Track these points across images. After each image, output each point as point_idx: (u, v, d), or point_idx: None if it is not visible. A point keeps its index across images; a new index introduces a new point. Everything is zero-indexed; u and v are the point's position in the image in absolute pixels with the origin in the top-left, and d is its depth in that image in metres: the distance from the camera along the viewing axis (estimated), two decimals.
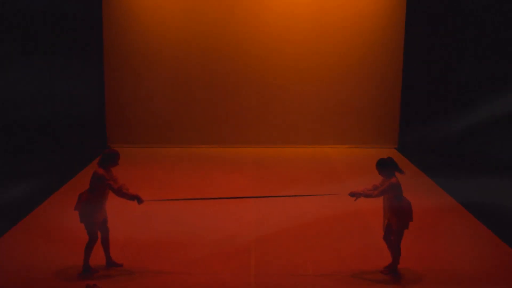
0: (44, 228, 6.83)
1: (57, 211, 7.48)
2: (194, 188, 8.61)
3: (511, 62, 9.79)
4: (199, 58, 11.05)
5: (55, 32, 10.42)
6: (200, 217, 7.25)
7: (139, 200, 5.66)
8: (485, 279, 5.61)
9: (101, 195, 5.63)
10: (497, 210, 7.38)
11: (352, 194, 5.62)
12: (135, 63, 11.02)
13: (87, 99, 10.73)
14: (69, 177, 8.94)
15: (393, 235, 5.53)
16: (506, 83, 9.95)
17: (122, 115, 11.19)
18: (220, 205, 7.76)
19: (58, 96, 10.58)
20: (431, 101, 10.70)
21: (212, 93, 11.19)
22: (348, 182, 8.95)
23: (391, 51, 10.97)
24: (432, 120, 10.63)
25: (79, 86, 10.62)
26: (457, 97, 10.42)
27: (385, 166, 5.55)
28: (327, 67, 11.06)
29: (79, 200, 5.63)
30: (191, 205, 7.75)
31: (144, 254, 6.02)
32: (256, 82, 11.14)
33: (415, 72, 10.79)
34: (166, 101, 11.18)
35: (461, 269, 5.81)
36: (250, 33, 10.97)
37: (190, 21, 10.93)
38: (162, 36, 10.95)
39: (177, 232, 6.73)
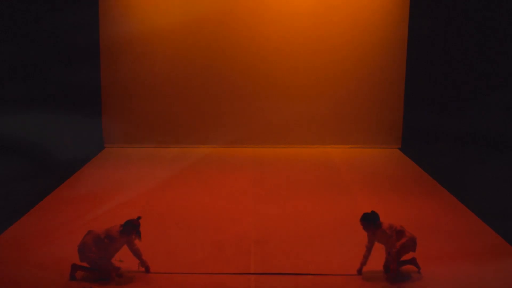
0: (40, 229, 6.90)
1: (53, 211, 7.57)
2: (193, 189, 8.67)
3: None
4: (198, 57, 11.08)
5: (50, 31, 10.49)
6: (200, 218, 7.34)
7: (147, 269, 5.73)
8: (490, 279, 5.70)
9: (109, 250, 5.66)
10: (500, 211, 7.48)
11: (359, 272, 5.75)
12: (132, 62, 11.05)
13: (83, 99, 10.83)
14: (65, 178, 9.02)
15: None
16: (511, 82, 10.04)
17: (119, 115, 11.24)
18: (220, 205, 7.86)
19: (54, 96, 10.66)
20: (435, 100, 10.77)
21: (211, 92, 11.23)
22: (350, 183, 9.02)
23: (394, 50, 11.02)
24: (436, 119, 10.70)
25: (76, 85, 10.71)
26: (461, 97, 10.49)
27: (366, 220, 5.71)
28: (329, 66, 11.11)
29: (83, 242, 5.60)
30: (190, 207, 7.86)
31: (145, 255, 6.09)
32: (256, 81, 11.18)
33: (419, 71, 10.85)
34: (164, 100, 11.21)
35: (465, 269, 5.88)
36: (250, 32, 11.02)
37: (189, 20, 10.94)
38: (160, 35, 10.98)
39: (176, 233, 6.83)
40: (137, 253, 5.69)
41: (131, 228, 5.65)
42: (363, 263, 5.72)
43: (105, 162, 10.29)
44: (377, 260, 5.78)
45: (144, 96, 11.21)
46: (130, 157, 10.59)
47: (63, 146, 10.68)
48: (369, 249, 5.72)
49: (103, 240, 5.58)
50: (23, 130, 10.36)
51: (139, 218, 5.75)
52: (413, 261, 5.79)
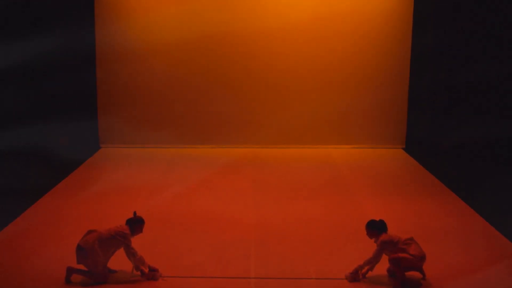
0: (36, 230, 6.95)
1: (49, 212, 7.61)
2: (191, 190, 8.69)
3: None
4: (196, 56, 11.09)
5: (46, 31, 10.53)
6: (199, 220, 7.37)
7: (143, 273, 5.73)
8: (495, 281, 5.74)
9: (110, 250, 5.70)
10: (505, 211, 7.52)
11: (352, 278, 5.66)
12: (129, 61, 11.07)
13: (79, 99, 10.86)
14: (61, 178, 9.08)
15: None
16: None
17: (115, 115, 11.25)
18: (219, 207, 7.88)
19: (50, 96, 10.71)
20: (439, 100, 10.80)
21: (209, 91, 11.23)
22: (353, 184, 9.04)
23: (398, 49, 11.05)
24: (440, 120, 10.72)
25: (71, 85, 10.75)
26: (465, 97, 10.52)
27: (370, 227, 5.71)
28: (331, 65, 11.13)
29: (85, 240, 5.64)
30: (188, 208, 7.88)
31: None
32: (257, 80, 11.19)
33: (423, 70, 10.88)
34: (161, 99, 11.23)
35: (469, 271, 5.92)
36: (251, 31, 11.01)
37: (187, 19, 10.95)
38: (157, 33, 10.98)
39: (174, 235, 6.86)
40: (132, 257, 5.70)
41: (137, 223, 5.73)
42: (362, 266, 5.67)
43: (101, 163, 10.33)
44: (381, 264, 5.79)
45: (140, 96, 11.23)
46: (126, 158, 10.61)
47: (59, 146, 10.73)
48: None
49: (105, 241, 5.62)
50: (20, 131, 10.42)
51: (135, 213, 5.83)
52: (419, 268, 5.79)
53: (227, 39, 11.07)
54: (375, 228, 5.71)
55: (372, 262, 5.66)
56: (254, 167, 10.02)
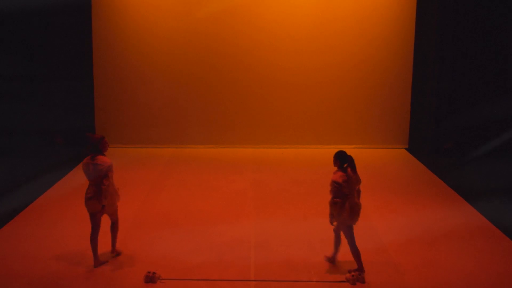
0: (33, 230, 6.97)
1: (47, 211, 7.63)
2: (189, 191, 8.70)
3: None
4: (196, 55, 11.12)
5: (44, 32, 10.54)
6: (197, 221, 7.37)
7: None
8: (499, 282, 5.76)
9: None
10: (507, 211, 7.52)
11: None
12: (127, 61, 11.10)
13: (76, 99, 10.87)
14: (58, 177, 9.11)
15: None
16: None
17: (113, 115, 11.29)
18: (218, 208, 7.88)
19: (47, 95, 10.71)
20: (442, 101, 10.80)
21: (210, 91, 11.26)
22: None
23: (401, 50, 11.11)
24: (443, 120, 10.73)
25: (69, 85, 10.75)
26: (469, 97, 10.52)
27: (336, 158, 5.79)
28: (334, 65, 11.16)
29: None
30: (187, 209, 7.88)
31: (141, 260, 6.14)
32: (257, 80, 11.22)
33: (426, 71, 10.89)
34: (159, 99, 11.26)
35: (473, 272, 5.93)
36: (252, 30, 11.04)
37: (186, 17, 10.99)
38: (155, 33, 11.03)
39: (172, 237, 6.86)
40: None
41: (99, 143, 6.18)
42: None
43: None
44: (381, 266, 5.78)
45: (138, 96, 11.25)
46: (124, 158, 10.61)
47: (56, 146, 10.75)
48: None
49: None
50: (18, 131, 10.43)
51: (88, 137, 6.24)
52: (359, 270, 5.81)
53: (229, 38, 11.08)
54: (340, 159, 5.77)
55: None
56: (254, 167, 10.02)
